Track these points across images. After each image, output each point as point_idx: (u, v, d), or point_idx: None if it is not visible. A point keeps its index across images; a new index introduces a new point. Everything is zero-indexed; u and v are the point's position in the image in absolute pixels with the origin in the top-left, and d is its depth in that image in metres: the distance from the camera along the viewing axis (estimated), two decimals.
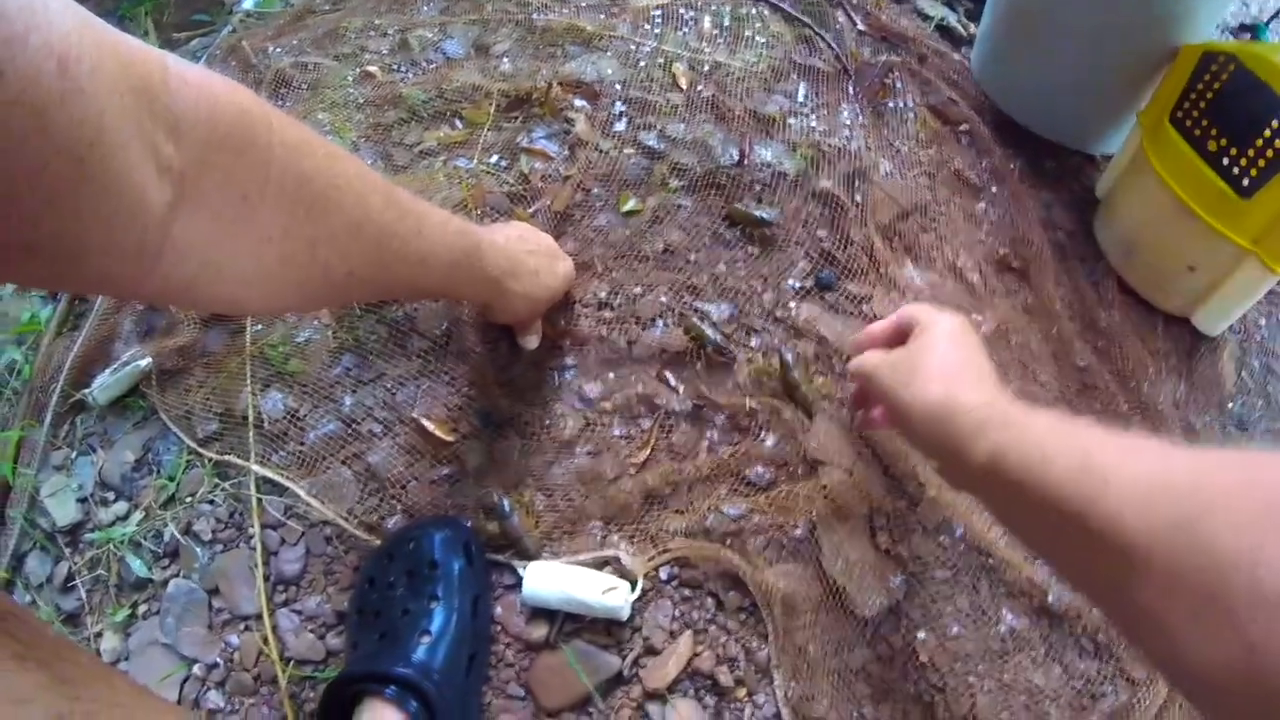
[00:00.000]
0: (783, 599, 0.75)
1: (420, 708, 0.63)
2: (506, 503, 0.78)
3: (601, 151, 0.98)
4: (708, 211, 0.95)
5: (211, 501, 0.83)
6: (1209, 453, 0.40)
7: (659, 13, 1.14)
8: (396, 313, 0.88)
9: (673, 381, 0.86)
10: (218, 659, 0.78)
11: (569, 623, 0.76)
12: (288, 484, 0.81)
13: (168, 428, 0.87)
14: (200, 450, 0.85)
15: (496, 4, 1.18)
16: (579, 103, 1.03)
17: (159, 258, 0.41)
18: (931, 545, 0.80)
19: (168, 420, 0.87)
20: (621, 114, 1.02)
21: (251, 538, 0.80)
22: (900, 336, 0.69)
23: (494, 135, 1.02)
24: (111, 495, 0.86)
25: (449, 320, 0.87)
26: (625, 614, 0.74)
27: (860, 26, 1.19)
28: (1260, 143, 0.86)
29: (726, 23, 1.14)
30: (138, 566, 0.81)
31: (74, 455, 0.89)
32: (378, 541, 0.78)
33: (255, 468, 0.82)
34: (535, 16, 1.14)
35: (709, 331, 0.86)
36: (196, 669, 0.78)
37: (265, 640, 0.77)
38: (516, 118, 1.03)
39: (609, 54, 1.08)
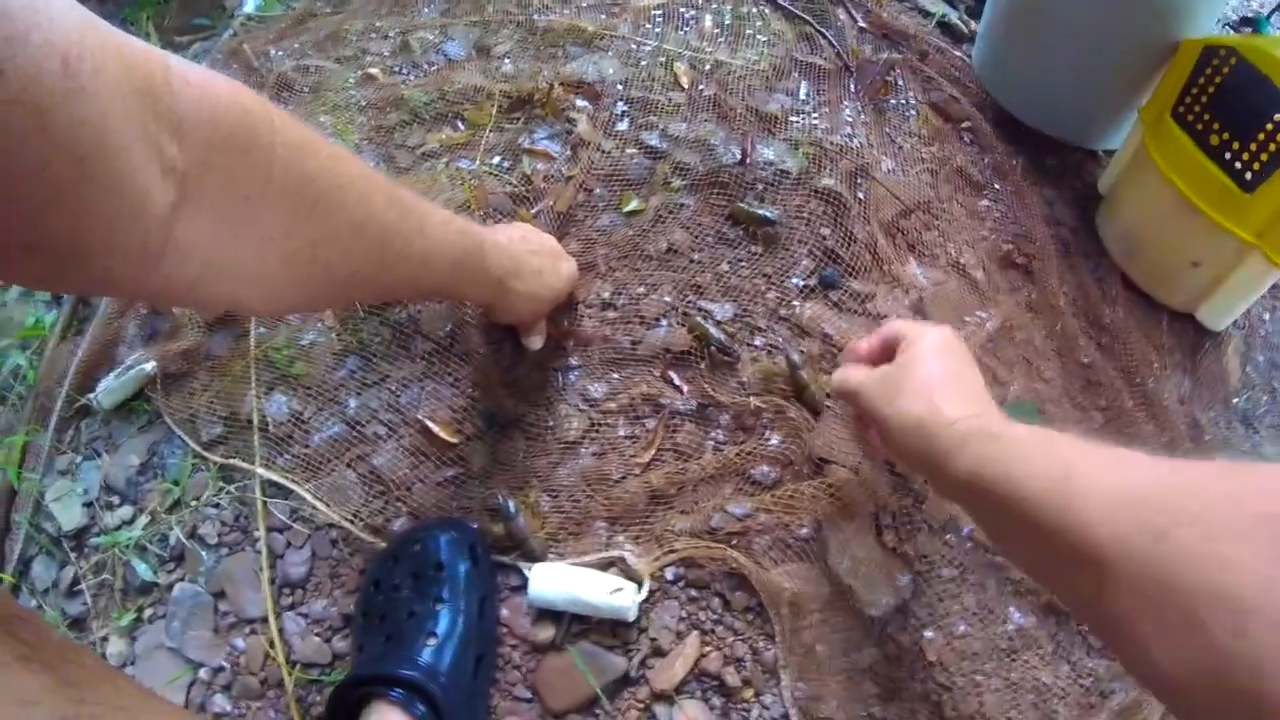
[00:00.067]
0: (789, 599, 0.75)
1: (427, 710, 0.63)
2: (512, 504, 0.78)
3: (604, 151, 0.98)
4: (710, 211, 0.95)
5: (217, 505, 0.83)
6: (1184, 465, 0.41)
7: (660, 12, 1.14)
8: (400, 315, 0.88)
9: (677, 381, 0.86)
10: (224, 663, 0.78)
11: (575, 624, 0.76)
12: (293, 487, 0.81)
13: (172, 432, 0.87)
14: (205, 454, 0.85)
15: (497, 5, 1.18)
16: (581, 103, 1.03)
17: (162, 258, 0.41)
18: (938, 544, 0.80)
19: (172, 424, 0.87)
20: (623, 114, 1.02)
21: (257, 541, 0.80)
22: (887, 353, 0.69)
23: (496, 136, 1.02)
24: (116, 499, 0.86)
25: (453, 322, 0.87)
26: (632, 615, 0.74)
27: (861, 24, 1.19)
28: (1262, 136, 0.86)
29: (727, 21, 1.14)
30: (143, 571, 0.81)
31: (79, 460, 0.89)
32: (383, 544, 0.78)
33: (260, 471, 0.82)
34: (536, 17, 1.14)
35: (713, 331, 0.85)
36: (202, 673, 0.77)
37: (271, 644, 0.76)
38: (518, 119, 1.03)
39: (610, 54, 1.08)
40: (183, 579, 0.81)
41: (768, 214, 0.92)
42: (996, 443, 0.51)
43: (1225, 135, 0.90)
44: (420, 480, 0.81)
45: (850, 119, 1.05)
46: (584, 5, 1.17)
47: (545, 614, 0.76)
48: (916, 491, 0.81)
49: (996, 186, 1.09)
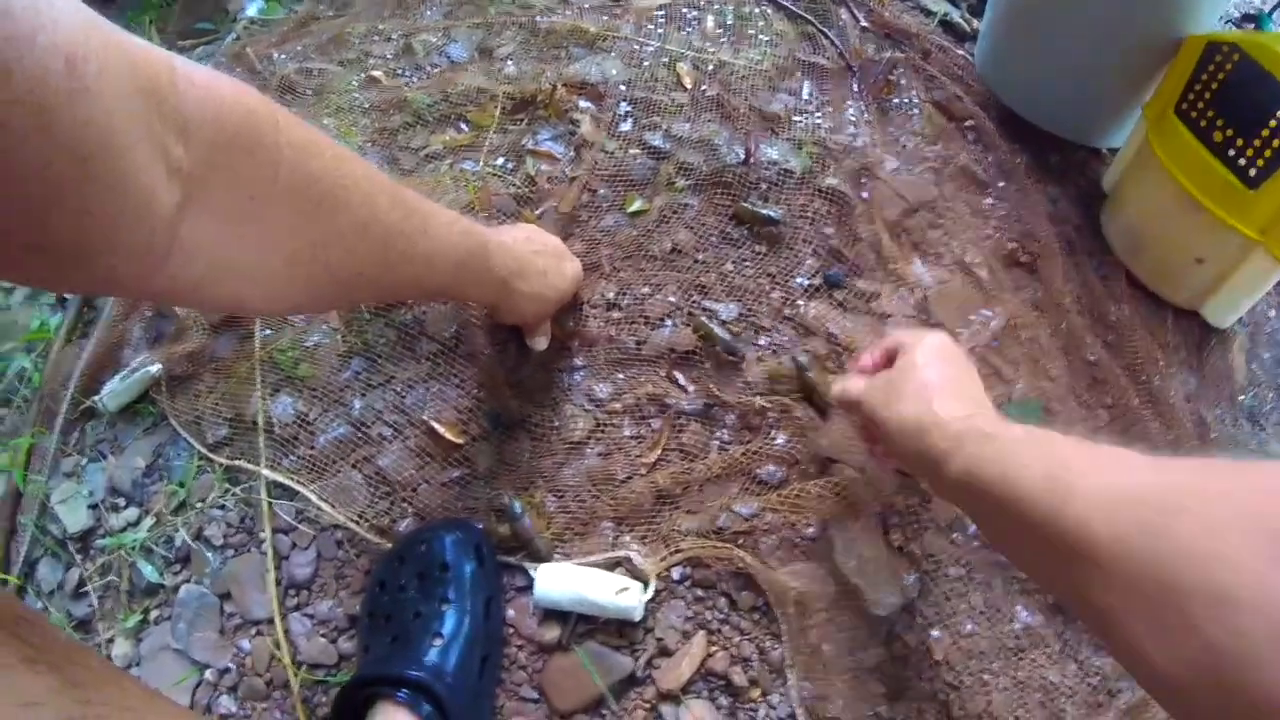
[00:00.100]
0: (796, 598, 0.75)
1: (433, 710, 0.63)
2: (517, 504, 0.78)
3: (607, 152, 0.98)
4: (714, 211, 0.95)
5: (222, 506, 0.83)
6: (1182, 463, 0.41)
7: (662, 13, 1.14)
8: (405, 316, 0.88)
9: (682, 381, 0.86)
10: (229, 664, 0.77)
11: (581, 624, 0.75)
12: (298, 488, 0.81)
13: (178, 433, 0.87)
14: (211, 455, 0.85)
15: (500, 7, 1.19)
16: (584, 104, 1.03)
17: (167, 258, 0.41)
18: (944, 542, 0.80)
19: (178, 426, 0.87)
20: (626, 114, 1.02)
21: (262, 542, 0.80)
22: (889, 363, 0.70)
23: (499, 138, 1.02)
24: (122, 501, 0.86)
25: (458, 323, 0.87)
26: (638, 615, 0.74)
27: (863, 23, 1.19)
28: (1266, 133, 0.86)
29: (730, 21, 1.14)
30: (149, 572, 0.81)
31: (84, 462, 0.89)
32: (389, 545, 0.78)
33: (266, 472, 0.82)
34: (539, 19, 1.15)
35: (718, 331, 0.85)
36: (208, 674, 0.77)
37: (277, 645, 0.76)
38: (522, 120, 1.03)
39: (613, 55, 1.08)
40: (188, 580, 0.81)
41: (772, 214, 0.92)
42: (992, 443, 0.52)
43: (1229, 132, 0.90)
44: (426, 481, 0.81)
45: (853, 118, 1.05)
46: (586, 7, 1.17)
47: (551, 614, 0.76)
48: (923, 490, 0.81)
49: (1000, 185, 1.08)
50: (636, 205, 0.95)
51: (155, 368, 0.89)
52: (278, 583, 0.79)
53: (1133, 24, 0.99)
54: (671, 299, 0.89)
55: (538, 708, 0.73)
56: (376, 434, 0.83)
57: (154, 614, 0.81)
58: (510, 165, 0.99)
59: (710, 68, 1.07)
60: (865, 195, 0.97)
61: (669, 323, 0.88)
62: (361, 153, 1.02)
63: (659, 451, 0.82)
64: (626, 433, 0.83)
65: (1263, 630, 0.31)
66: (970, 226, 1.02)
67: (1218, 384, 1.05)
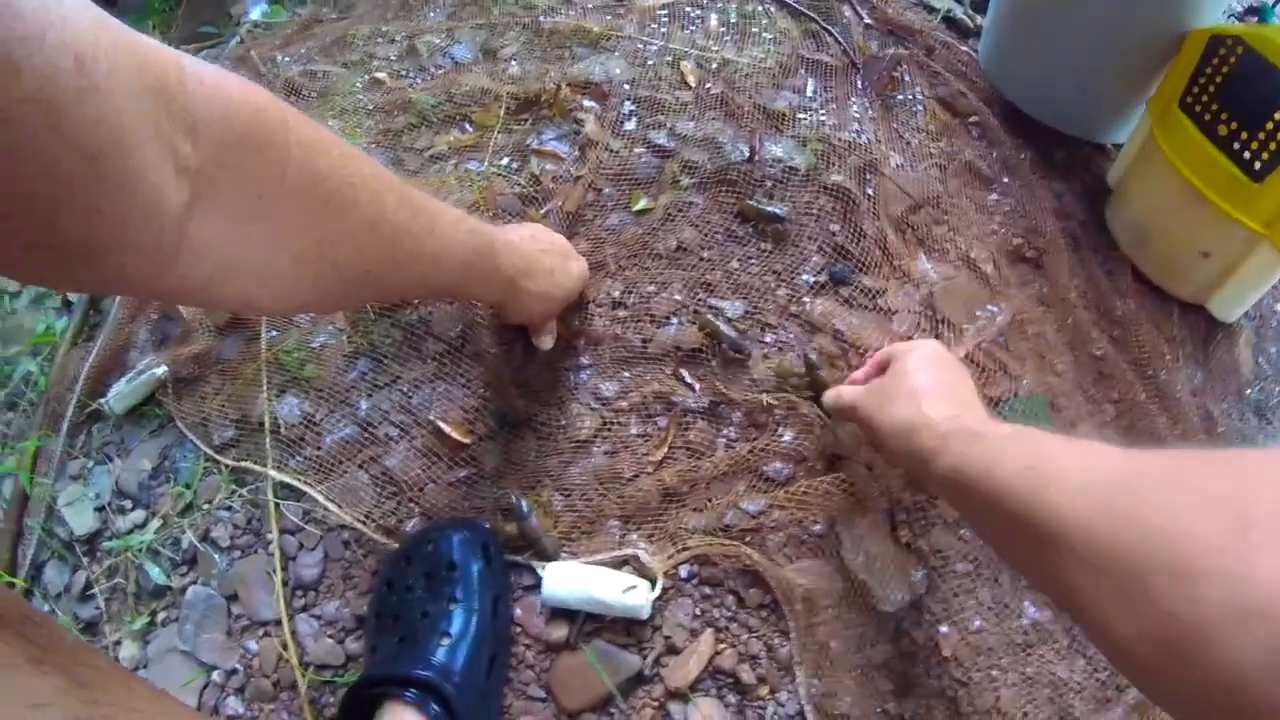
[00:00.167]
0: (804, 595, 0.75)
1: (441, 710, 0.63)
2: (524, 503, 0.78)
3: (612, 151, 0.98)
4: (719, 208, 0.95)
5: (229, 508, 0.83)
6: (1149, 452, 0.43)
7: (665, 12, 1.14)
8: (411, 316, 0.88)
9: (688, 379, 0.85)
10: (237, 665, 0.78)
11: (589, 623, 0.75)
12: (305, 489, 0.81)
13: (184, 435, 0.87)
14: (217, 457, 0.85)
15: (503, 8, 1.19)
16: (588, 103, 1.03)
17: (175, 256, 0.41)
18: (952, 538, 0.80)
19: (184, 428, 0.88)
20: (631, 113, 1.02)
21: (269, 543, 0.80)
22: (882, 374, 0.74)
23: (504, 138, 1.02)
24: (129, 503, 0.87)
25: (464, 323, 0.87)
26: (646, 613, 0.74)
27: (867, 20, 1.19)
28: (1271, 125, 0.86)
29: (733, 20, 1.14)
30: (156, 574, 0.82)
31: (91, 464, 0.89)
32: (396, 544, 0.78)
33: (272, 473, 0.82)
34: (542, 19, 1.15)
35: (724, 328, 0.85)
36: (216, 675, 0.78)
37: (284, 645, 0.76)
38: (526, 120, 1.03)
39: (616, 54, 1.08)
40: (195, 582, 0.81)
41: (777, 211, 0.92)
42: (978, 441, 0.54)
43: (1233, 125, 0.90)
44: (432, 481, 0.81)
45: (858, 115, 1.05)
46: (589, 6, 1.17)
47: (559, 613, 0.76)
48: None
49: (1005, 181, 1.08)
50: (641, 204, 0.95)
51: (161, 370, 0.90)
52: (285, 584, 0.79)
53: (1136, 18, 0.99)
54: (677, 297, 0.89)
55: (546, 707, 0.73)
56: (383, 434, 0.83)
57: (161, 616, 0.81)
58: (515, 165, 0.99)
59: (714, 66, 1.07)
60: (870, 192, 0.96)
61: (675, 321, 0.88)
62: (367, 154, 1.02)
63: (666, 449, 0.82)
64: (633, 431, 0.83)
65: (1221, 604, 0.32)
66: (975, 222, 1.02)
67: (1224, 378, 1.05)
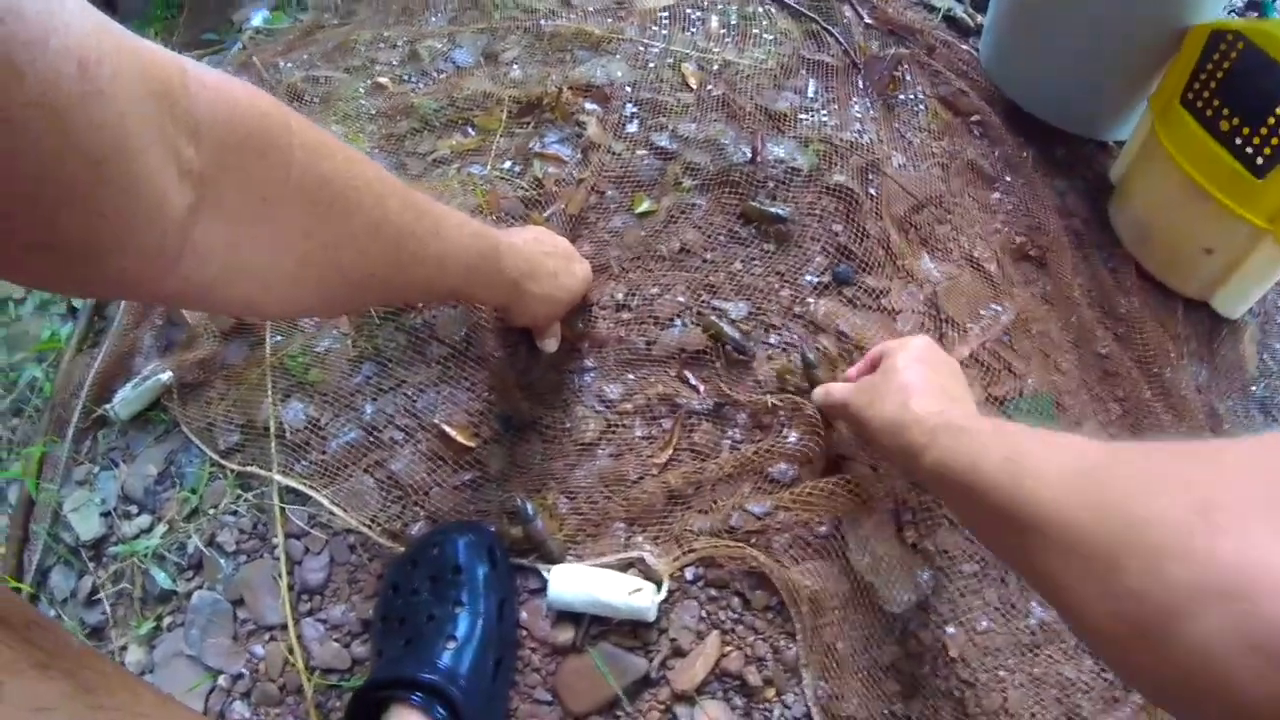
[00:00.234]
0: (810, 597, 0.74)
1: (447, 714, 0.63)
2: (529, 506, 0.78)
3: (614, 154, 0.98)
4: (722, 210, 0.95)
5: (235, 512, 0.83)
6: (1126, 444, 0.44)
7: (666, 14, 1.14)
8: (415, 320, 0.88)
9: (693, 381, 0.85)
10: (243, 670, 0.77)
11: (595, 625, 0.75)
12: (310, 493, 0.81)
13: (189, 440, 0.88)
14: (222, 462, 0.85)
15: (504, 12, 1.19)
16: (590, 106, 1.03)
17: (179, 260, 0.41)
18: (958, 539, 0.79)
19: (189, 433, 0.88)
20: (632, 115, 1.02)
21: (275, 548, 0.80)
22: (875, 370, 0.74)
23: (506, 141, 1.02)
24: (134, 509, 0.87)
25: (468, 326, 0.87)
26: (652, 615, 0.73)
27: (867, 20, 1.19)
28: (1272, 121, 0.86)
29: (734, 21, 1.14)
30: (162, 579, 0.82)
31: (96, 470, 0.90)
32: (401, 548, 0.78)
33: (278, 478, 0.82)
34: (543, 23, 1.15)
35: (728, 329, 0.85)
36: (222, 680, 0.77)
37: (290, 650, 0.76)
38: (528, 123, 1.04)
39: (618, 57, 1.08)
40: (201, 587, 0.81)
41: (779, 212, 0.92)
42: (962, 436, 0.55)
43: (1235, 121, 0.90)
44: (438, 484, 0.81)
45: (859, 115, 1.05)
46: (590, 9, 1.17)
47: (564, 616, 0.75)
48: None
49: (1008, 179, 1.08)
50: (644, 206, 0.95)
51: (166, 375, 0.90)
52: (290, 588, 0.79)
53: (1136, 14, 0.99)
54: (681, 299, 0.89)
55: (551, 710, 0.73)
56: (388, 438, 0.83)
57: (167, 621, 0.81)
58: (517, 168, 0.99)
59: (715, 67, 1.07)
60: (873, 192, 0.96)
61: (679, 322, 0.88)
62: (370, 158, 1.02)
63: (670, 451, 0.82)
64: (638, 433, 0.83)
65: (1186, 584, 0.33)
66: (978, 221, 1.02)
67: (1229, 375, 1.05)
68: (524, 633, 0.76)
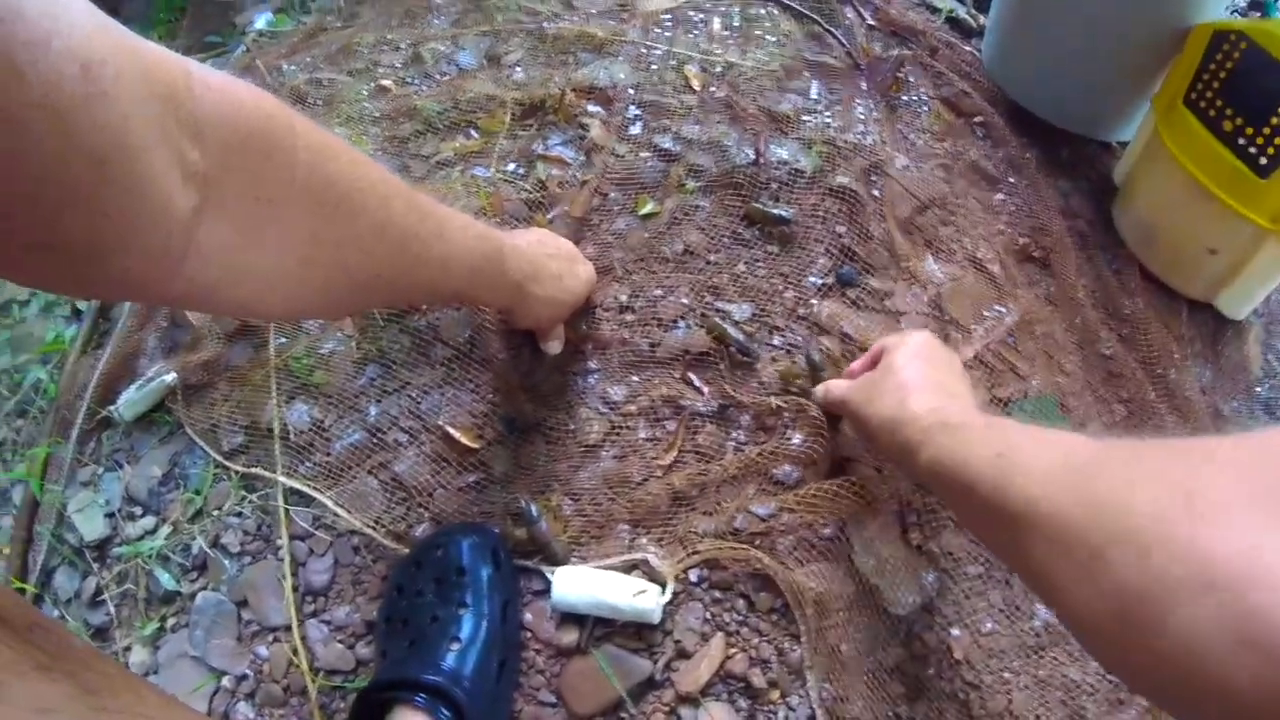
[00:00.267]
0: (814, 599, 0.74)
1: (451, 715, 0.63)
2: (534, 508, 0.78)
3: (617, 155, 0.98)
4: (726, 211, 0.95)
5: (239, 514, 0.83)
6: (1114, 440, 0.44)
7: (669, 16, 1.14)
8: (419, 322, 0.88)
9: (697, 382, 0.85)
10: (247, 670, 0.78)
11: (599, 627, 0.75)
12: (315, 495, 0.81)
13: (194, 442, 0.88)
14: (227, 463, 0.85)
15: (507, 15, 1.19)
16: (593, 108, 1.03)
17: (183, 261, 0.41)
18: (963, 540, 0.79)
19: (193, 434, 0.88)
20: (636, 118, 1.02)
21: (279, 549, 0.80)
22: (876, 367, 0.74)
23: (510, 143, 1.02)
24: (139, 510, 0.87)
25: (472, 328, 0.87)
26: (656, 617, 0.73)
27: (870, 21, 1.19)
28: (1276, 121, 0.86)
29: (736, 23, 1.14)
30: (166, 580, 0.82)
31: (101, 471, 0.90)
32: (405, 550, 0.78)
33: (282, 479, 0.82)
34: (546, 25, 1.15)
35: (732, 331, 0.85)
36: (226, 681, 0.78)
37: (294, 651, 0.76)
38: (531, 125, 1.04)
39: (621, 59, 1.09)
40: (205, 588, 0.81)
41: (783, 213, 0.92)
42: (956, 432, 0.56)
43: (1238, 121, 0.90)
44: (442, 486, 0.81)
45: (862, 116, 1.05)
46: (593, 12, 1.17)
47: (569, 618, 0.75)
48: None
49: (1011, 180, 1.08)
50: (648, 208, 0.95)
51: (170, 377, 0.90)
52: (295, 589, 0.79)
53: (1139, 14, 0.99)
54: (684, 300, 0.89)
55: (556, 712, 0.73)
56: (392, 440, 0.83)
57: (171, 622, 0.81)
58: (521, 170, 1.00)
59: (718, 69, 1.07)
60: (876, 193, 0.96)
61: (682, 324, 0.88)
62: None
63: (674, 453, 0.82)
64: (642, 435, 0.83)
65: (1170, 574, 0.33)
66: (982, 222, 1.02)
67: (1234, 376, 1.05)
68: (528, 634, 0.76)
